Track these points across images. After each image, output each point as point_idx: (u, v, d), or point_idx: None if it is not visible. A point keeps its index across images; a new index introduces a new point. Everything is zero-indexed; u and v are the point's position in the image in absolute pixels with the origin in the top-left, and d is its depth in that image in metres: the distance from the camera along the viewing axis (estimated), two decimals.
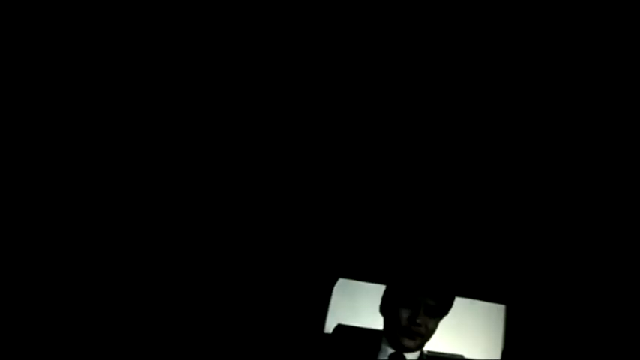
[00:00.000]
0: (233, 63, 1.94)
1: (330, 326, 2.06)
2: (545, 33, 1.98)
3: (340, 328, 1.92)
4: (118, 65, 1.88)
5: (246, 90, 2.01)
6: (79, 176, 1.93)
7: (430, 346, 1.97)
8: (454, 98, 2.02)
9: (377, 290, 1.84)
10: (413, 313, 1.68)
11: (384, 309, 1.78)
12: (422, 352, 1.74)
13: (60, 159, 1.92)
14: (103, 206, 1.94)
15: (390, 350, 1.71)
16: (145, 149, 1.98)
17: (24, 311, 1.80)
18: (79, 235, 1.89)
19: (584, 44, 1.97)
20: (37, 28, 1.79)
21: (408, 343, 1.69)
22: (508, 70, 2.03)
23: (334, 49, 1.97)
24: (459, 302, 1.89)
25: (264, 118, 2.03)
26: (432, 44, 1.96)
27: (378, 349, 1.73)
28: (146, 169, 1.98)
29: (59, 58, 1.84)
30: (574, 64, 2.01)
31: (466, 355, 2.22)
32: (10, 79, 1.84)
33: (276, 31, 1.91)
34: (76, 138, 1.92)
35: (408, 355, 1.71)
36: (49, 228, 1.88)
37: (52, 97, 1.88)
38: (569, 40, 1.97)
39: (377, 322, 1.80)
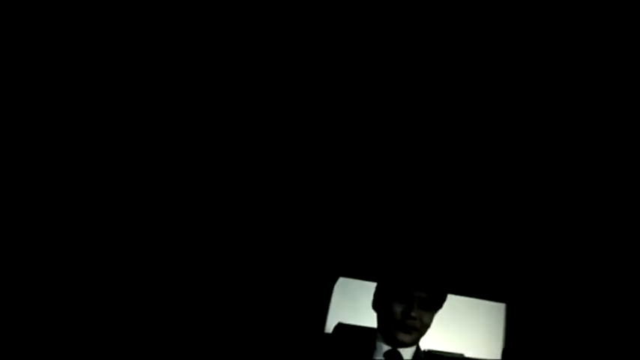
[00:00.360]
0: (233, 63, 1.97)
1: (330, 325, 2.08)
2: (545, 33, 1.99)
3: (339, 327, 1.93)
4: (117, 65, 1.91)
5: (246, 90, 2.04)
6: (78, 176, 1.96)
7: (430, 344, 1.98)
8: (450, 96, 2.04)
9: None
10: (407, 307, 1.68)
11: (376, 305, 1.79)
12: (418, 348, 1.74)
13: (60, 159, 1.95)
14: (102, 206, 1.97)
15: (386, 347, 1.72)
16: (144, 149, 2.01)
17: (24, 311, 1.83)
18: (79, 235, 1.92)
19: (584, 44, 1.97)
20: (37, 28, 1.82)
21: (404, 337, 1.69)
22: (508, 70, 2.04)
23: (334, 49, 1.99)
24: (459, 301, 1.90)
25: (262, 118, 2.06)
26: (432, 44, 1.98)
27: (374, 347, 1.74)
28: (145, 168, 2.01)
29: (59, 58, 1.88)
30: (574, 64, 2.01)
31: (466, 354, 2.21)
32: (10, 79, 1.88)
33: (276, 31, 1.94)
34: (76, 138, 1.96)
35: (404, 352, 1.71)
36: (49, 228, 1.91)
37: (52, 97, 1.92)
38: (569, 40, 1.98)
39: None
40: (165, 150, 2.03)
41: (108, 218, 1.96)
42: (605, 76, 2.01)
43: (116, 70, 1.92)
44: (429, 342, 1.91)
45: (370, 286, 2.05)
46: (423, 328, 1.71)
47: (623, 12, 1.90)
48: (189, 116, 2.05)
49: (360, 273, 2.14)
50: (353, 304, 2.33)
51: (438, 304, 1.73)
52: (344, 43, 1.96)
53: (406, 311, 1.68)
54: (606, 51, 1.98)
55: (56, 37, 1.83)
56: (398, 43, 1.97)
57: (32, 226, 1.90)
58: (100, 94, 1.94)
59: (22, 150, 1.93)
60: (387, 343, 1.72)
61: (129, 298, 1.92)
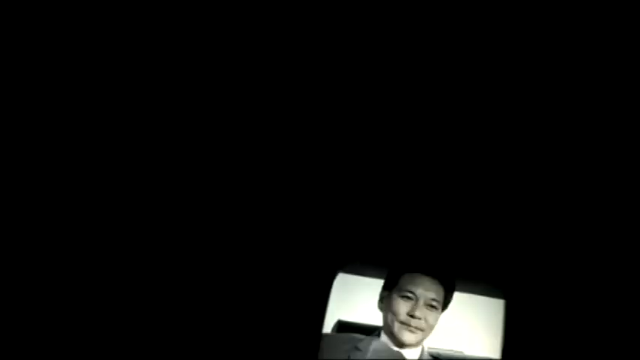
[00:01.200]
0: (232, 62, 1.94)
1: (329, 323, 2.05)
2: (545, 33, 1.98)
3: (340, 324, 1.91)
4: (117, 65, 1.87)
5: (244, 83, 2.00)
6: (79, 176, 1.92)
7: (429, 342, 1.95)
8: (450, 91, 2.01)
9: (378, 285, 1.84)
10: (412, 307, 1.68)
11: (381, 304, 1.78)
12: (423, 349, 1.73)
13: (60, 159, 1.90)
14: (102, 206, 1.92)
15: (392, 347, 1.70)
16: (141, 146, 1.96)
17: (24, 311, 1.79)
18: (79, 234, 1.88)
19: (584, 44, 1.97)
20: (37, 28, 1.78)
21: (408, 338, 1.68)
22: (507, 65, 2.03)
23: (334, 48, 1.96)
24: (457, 298, 1.88)
25: (259, 113, 2.02)
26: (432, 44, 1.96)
27: (379, 346, 1.72)
28: (140, 162, 1.96)
29: (59, 58, 1.83)
30: (574, 64, 2.01)
31: (465, 351, 2.21)
32: (10, 79, 1.83)
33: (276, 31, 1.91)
34: (75, 138, 1.91)
35: (408, 353, 1.70)
36: (49, 228, 1.86)
37: (52, 97, 1.87)
38: (569, 40, 1.97)
39: (379, 318, 1.79)
40: (161, 143, 1.98)
41: (107, 218, 1.91)
42: (605, 77, 2.01)
43: (116, 70, 1.87)
44: (428, 340, 1.89)
45: (369, 283, 2.02)
46: (428, 329, 1.70)
47: (623, 12, 1.90)
48: (185, 109, 2.00)
49: (360, 269, 2.12)
50: (352, 301, 2.30)
51: (444, 305, 1.72)
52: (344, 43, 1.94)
53: (411, 311, 1.67)
54: (606, 51, 1.98)
55: (56, 37, 1.78)
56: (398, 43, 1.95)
57: (32, 226, 1.85)
58: (100, 94, 1.89)
59: (22, 150, 1.88)
60: (393, 343, 1.71)
61: (122, 294, 1.88)
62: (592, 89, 2.02)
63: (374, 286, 1.89)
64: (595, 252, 2.08)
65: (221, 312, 1.93)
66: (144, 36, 1.91)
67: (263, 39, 1.96)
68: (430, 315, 1.69)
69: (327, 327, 2.05)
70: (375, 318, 1.86)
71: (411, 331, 1.68)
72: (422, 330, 1.69)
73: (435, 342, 2.10)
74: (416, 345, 1.71)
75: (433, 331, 1.75)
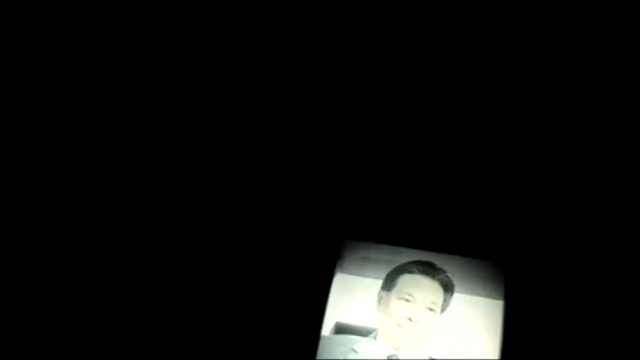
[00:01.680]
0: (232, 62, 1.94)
1: (328, 324, 2.04)
2: (545, 33, 1.97)
3: (338, 326, 1.90)
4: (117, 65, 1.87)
5: (240, 71, 2.00)
6: (79, 176, 1.92)
7: (428, 344, 1.94)
8: (449, 76, 2.01)
9: (377, 285, 1.83)
10: (410, 310, 1.67)
11: (380, 305, 1.77)
12: (420, 351, 1.73)
13: (60, 159, 1.90)
14: (101, 206, 1.92)
15: (389, 349, 1.70)
16: (137, 142, 1.96)
17: (24, 311, 1.79)
18: (79, 234, 1.88)
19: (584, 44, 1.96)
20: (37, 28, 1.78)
21: (406, 340, 1.68)
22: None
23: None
24: (455, 298, 1.87)
25: (254, 107, 2.02)
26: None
27: (375, 349, 1.72)
28: (136, 157, 1.96)
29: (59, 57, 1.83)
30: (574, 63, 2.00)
31: (464, 354, 2.18)
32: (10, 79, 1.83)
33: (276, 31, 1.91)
34: (75, 138, 1.91)
35: (406, 354, 1.70)
36: (49, 228, 1.87)
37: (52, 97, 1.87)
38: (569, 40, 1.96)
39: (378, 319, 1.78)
40: (158, 139, 1.98)
41: (108, 218, 1.91)
42: (605, 76, 2.01)
43: (116, 70, 1.87)
44: (426, 343, 1.87)
45: (369, 284, 2.01)
46: (425, 332, 1.70)
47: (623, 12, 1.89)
48: (181, 103, 2.00)
49: (359, 269, 2.11)
50: (351, 302, 2.29)
51: (442, 307, 1.71)
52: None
53: (409, 314, 1.67)
54: (606, 51, 1.97)
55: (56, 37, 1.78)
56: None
57: (32, 226, 1.86)
58: (100, 94, 1.89)
59: (22, 150, 1.88)
60: (390, 345, 1.70)
61: (122, 294, 1.88)
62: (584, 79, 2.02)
63: (373, 286, 1.88)
64: (593, 253, 2.08)
65: (220, 314, 1.94)
66: (144, 36, 1.91)
67: (263, 39, 1.95)
68: (428, 318, 1.69)
69: (327, 328, 2.04)
70: (374, 319, 1.85)
71: (408, 334, 1.68)
72: (419, 333, 1.68)
73: (433, 344, 2.09)
74: (414, 347, 1.70)
75: (431, 333, 1.75)
